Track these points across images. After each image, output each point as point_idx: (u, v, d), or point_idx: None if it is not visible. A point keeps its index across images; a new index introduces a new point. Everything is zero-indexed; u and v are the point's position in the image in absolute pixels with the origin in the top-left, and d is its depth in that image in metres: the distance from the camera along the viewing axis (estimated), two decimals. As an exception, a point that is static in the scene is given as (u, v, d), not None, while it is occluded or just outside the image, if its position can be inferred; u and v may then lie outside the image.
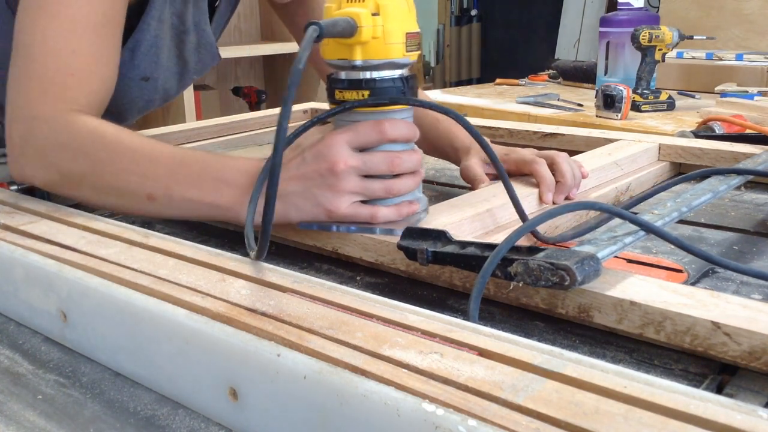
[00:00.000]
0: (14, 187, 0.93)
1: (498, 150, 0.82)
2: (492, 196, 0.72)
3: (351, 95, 0.62)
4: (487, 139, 0.83)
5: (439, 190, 0.94)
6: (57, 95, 0.71)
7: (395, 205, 0.64)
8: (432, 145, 0.93)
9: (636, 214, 0.60)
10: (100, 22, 0.74)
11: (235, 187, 0.64)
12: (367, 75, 0.62)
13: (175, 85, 1.00)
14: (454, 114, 0.65)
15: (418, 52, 0.65)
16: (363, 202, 0.63)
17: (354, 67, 0.62)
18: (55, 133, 0.70)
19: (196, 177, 0.66)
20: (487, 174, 0.83)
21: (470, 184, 0.84)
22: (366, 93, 0.62)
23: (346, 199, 0.61)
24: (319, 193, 0.61)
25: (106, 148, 0.69)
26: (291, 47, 2.56)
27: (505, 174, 0.67)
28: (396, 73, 0.63)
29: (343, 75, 0.63)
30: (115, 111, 0.94)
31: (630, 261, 0.65)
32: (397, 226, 0.63)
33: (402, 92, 0.63)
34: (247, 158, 0.68)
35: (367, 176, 0.62)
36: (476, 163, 0.84)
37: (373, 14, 0.60)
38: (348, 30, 0.59)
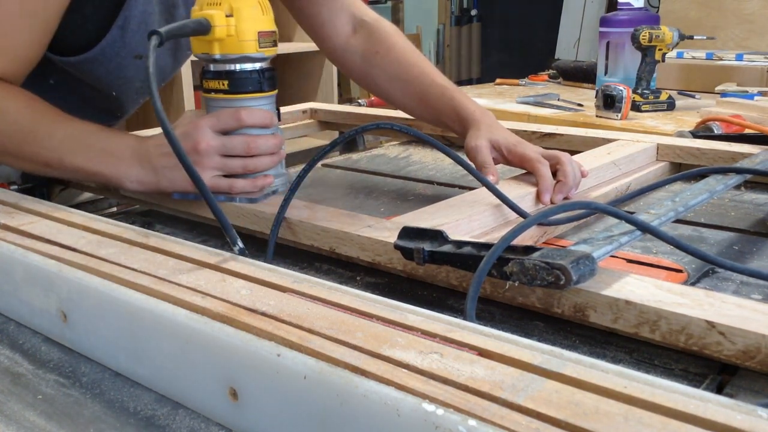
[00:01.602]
0: (14, 187, 0.93)
1: (508, 139, 0.82)
2: (489, 196, 0.72)
3: (214, 84, 0.75)
4: (486, 141, 0.83)
5: (437, 190, 0.94)
6: None
7: (252, 178, 0.75)
8: (437, 116, 0.94)
9: (632, 213, 0.60)
10: (31, 8, 0.78)
11: (120, 158, 0.75)
12: (227, 67, 0.74)
13: (170, 63, 1.02)
14: (431, 140, 0.71)
15: (275, 48, 0.75)
16: (227, 176, 0.74)
17: (214, 60, 0.73)
18: None
19: (85, 148, 0.77)
20: (494, 159, 0.83)
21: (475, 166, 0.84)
22: (226, 83, 0.74)
23: (207, 173, 0.72)
24: None
25: (6, 120, 0.77)
26: (291, 47, 2.56)
27: (489, 182, 0.71)
28: (254, 66, 0.74)
29: (209, 67, 0.75)
30: (113, 93, 0.95)
31: (630, 261, 0.65)
32: (254, 196, 0.75)
33: (258, 83, 0.75)
34: (132, 134, 0.81)
35: (228, 156, 0.74)
36: (485, 147, 0.83)
37: (227, 15, 0.71)
38: (200, 29, 0.70)
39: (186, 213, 0.81)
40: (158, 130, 1.18)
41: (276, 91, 0.79)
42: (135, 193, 0.80)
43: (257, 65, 0.75)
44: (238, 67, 0.74)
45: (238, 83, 0.74)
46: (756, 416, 0.31)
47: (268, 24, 0.74)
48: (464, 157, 0.76)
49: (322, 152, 0.72)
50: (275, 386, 0.39)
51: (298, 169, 0.77)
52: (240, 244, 0.58)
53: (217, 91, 0.75)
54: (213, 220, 0.78)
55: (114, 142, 0.77)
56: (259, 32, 0.72)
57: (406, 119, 1.26)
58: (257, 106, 0.75)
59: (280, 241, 0.72)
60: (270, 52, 0.74)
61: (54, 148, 0.76)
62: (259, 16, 0.73)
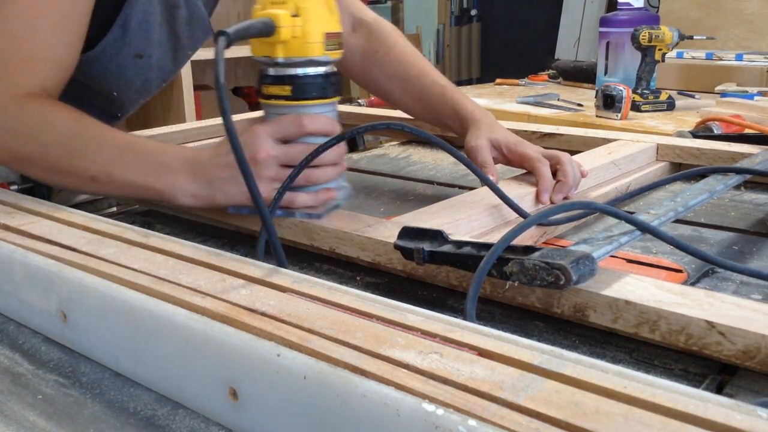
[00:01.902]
0: (14, 187, 0.93)
1: (508, 139, 0.82)
2: (489, 196, 0.72)
3: (275, 90, 0.69)
4: (486, 140, 0.83)
5: (437, 190, 0.94)
6: (10, 81, 0.75)
7: (314, 191, 0.70)
8: (436, 116, 0.94)
9: (632, 213, 0.60)
10: (62, 9, 0.76)
11: (173, 172, 0.70)
12: (290, 71, 0.68)
13: (170, 63, 1.00)
14: (437, 140, 0.70)
15: (341, 50, 0.70)
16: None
17: (277, 64, 0.68)
18: (6, 120, 0.75)
19: (137, 161, 0.72)
20: (494, 158, 0.83)
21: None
22: (288, 88, 0.68)
23: (266, 186, 0.67)
24: (243, 180, 0.63)
25: (54, 132, 0.73)
26: (291, 47, 2.56)
27: (492, 182, 0.70)
28: (319, 70, 0.69)
29: (269, 71, 0.69)
30: (113, 93, 0.95)
31: (630, 261, 0.65)
32: (317, 211, 0.69)
33: (323, 88, 0.69)
34: (185, 146, 0.76)
35: (288, 166, 0.68)
36: (485, 146, 0.82)
37: (293, 15, 0.65)
38: (265, 30, 0.65)
39: (186, 213, 0.81)
40: (159, 131, 1.19)
41: (339, 97, 0.73)
42: (189, 208, 0.74)
43: (322, 69, 0.69)
44: (302, 71, 0.68)
45: (302, 88, 0.68)
46: (756, 416, 0.31)
47: (335, 25, 0.69)
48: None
49: (326, 145, 0.69)
50: (275, 386, 0.39)
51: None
52: (286, 267, 0.54)
53: (278, 97, 0.69)
54: (213, 221, 0.78)
55: (166, 155, 0.72)
56: (326, 33, 0.67)
57: (409, 119, 1.26)
58: (320, 113, 0.70)
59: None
60: (336, 55, 0.69)
61: (103, 162, 0.72)
62: (326, 16, 0.68)
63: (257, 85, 0.71)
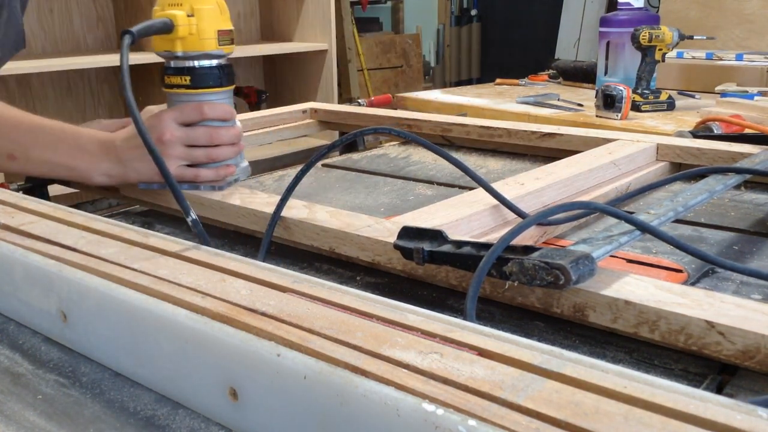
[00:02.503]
0: (14, 187, 0.93)
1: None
2: (489, 196, 0.72)
3: (176, 80, 0.79)
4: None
5: (437, 190, 0.94)
6: None
7: (215, 167, 0.80)
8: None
9: (632, 213, 0.60)
10: None
11: (88, 153, 0.79)
12: (188, 63, 0.78)
13: None
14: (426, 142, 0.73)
15: (233, 45, 0.81)
16: (192, 166, 0.79)
17: (176, 57, 0.78)
18: None
19: (54, 142, 0.79)
20: None
21: None
22: (188, 78, 0.78)
23: (173, 163, 0.77)
24: (151, 158, 0.71)
25: None
26: (291, 47, 2.56)
27: (486, 182, 0.72)
28: (213, 62, 0.79)
29: (171, 64, 0.79)
30: None
31: (630, 261, 0.65)
32: (218, 184, 0.80)
33: (218, 78, 0.80)
34: (97, 130, 0.83)
35: (192, 146, 0.78)
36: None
37: (189, 15, 0.76)
38: (164, 29, 0.75)
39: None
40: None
41: (234, 86, 0.84)
42: (103, 185, 0.83)
43: (216, 62, 0.80)
44: (198, 63, 0.78)
45: (199, 78, 0.79)
46: (756, 416, 0.31)
47: (226, 23, 0.79)
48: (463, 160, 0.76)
49: (321, 154, 0.73)
50: (275, 386, 0.39)
51: (297, 169, 0.76)
52: (193, 215, 0.63)
53: (179, 86, 0.79)
54: (214, 221, 0.78)
55: (82, 137, 0.80)
56: (218, 31, 0.78)
57: (407, 121, 1.27)
58: (217, 100, 0.81)
59: (280, 241, 0.72)
60: (228, 49, 0.80)
61: (20, 140, 0.78)
62: (218, 16, 0.78)
63: (160, 76, 0.81)
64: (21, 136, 0.79)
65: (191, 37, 0.76)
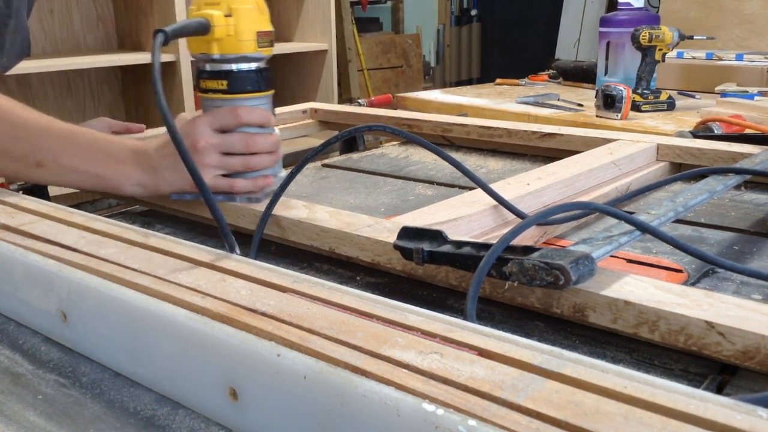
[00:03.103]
0: (14, 187, 0.93)
1: None
2: (488, 197, 0.72)
3: (212, 84, 0.75)
4: None
5: (437, 190, 0.94)
6: None
7: (252, 178, 0.75)
8: None
9: (632, 213, 0.60)
10: None
11: (120, 162, 0.75)
12: (225, 67, 0.74)
13: None
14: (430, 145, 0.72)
15: (272, 48, 0.77)
16: (227, 176, 0.75)
17: (213, 60, 0.73)
18: None
19: (84, 149, 0.75)
20: None
21: None
22: (224, 82, 0.74)
23: (207, 172, 0.72)
24: (184, 167, 0.67)
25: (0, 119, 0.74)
26: (291, 47, 2.56)
27: (483, 181, 0.71)
28: (251, 65, 0.75)
29: (206, 67, 0.75)
30: None
31: (630, 261, 0.65)
32: (255, 195, 0.75)
33: (256, 82, 0.75)
34: (129, 138, 0.81)
35: (227, 154, 0.74)
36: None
37: (226, 15, 0.71)
38: (200, 29, 0.71)
39: (186, 213, 0.81)
40: (159, 131, 1.19)
41: (273, 91, 0.79)
42: (135, 195, 0.79)
43: (255, 65, 0.75)
44: (236, 66, 0.74)
45: (237, 83, 0.74)
46: (756, 416, 0.31)
47: (266, 24, 0.75)
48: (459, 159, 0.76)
49: (314, 152, 0.73)
50: (275, 386, 0.39)
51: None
52: (237, 251, 0.58)
53: (215, 90, 0.75)
54: (212, 220, 0.78)
55: (113, 145, 0.76)
56: (257, 32, 0.73)
57: (407, 121, 1.27)
58: (255, 105, 0.76)
59: (280, 241, 0.72)
60: (267, 51, 0.75)
61: (50, 147, 0.74)
62: (257, 17, 0.74)
63: (195, 80, 0.78)
64: (50, 142, 0.74)
65: (229, 38, 0.72)
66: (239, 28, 0.72)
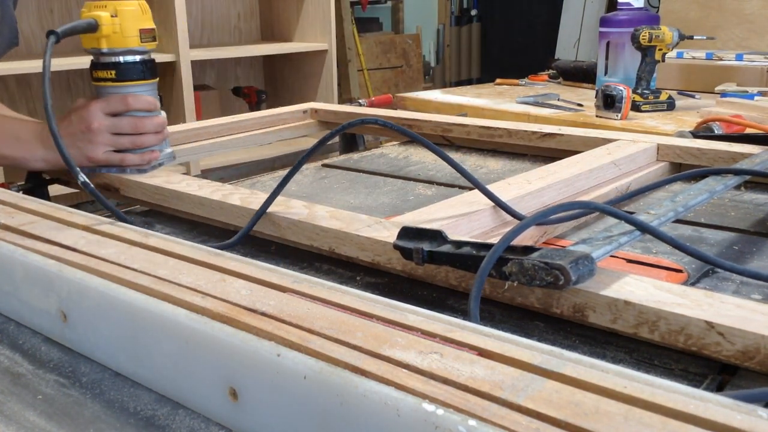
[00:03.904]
0: (14, 188, 0.94)
1: None
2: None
3: (103, 73, 0.88)
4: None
5: (437, 190, 0.94)
6: None
7: (140, 153, 0.89)
8: None
9: (632, 213, 0.60)
10: None
11: (26, 142, 0.88)
12: (113, 59, 0.87)
13: None
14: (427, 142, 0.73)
15: (155, 42, 0.89)
16: (119, 152, 0.88)
17: (102, 54, 0.87)
18: None
19: None
20: None
21: None
22: (113, 72, 0.87)
23: (100, 149, 0.86)
24: (81, 145, 0.86)
25: None
26: (291, 47, 2.56)
27: (481, 184, 0.72)
28: (136, 57, 0.88)
29: (99, 59, 0.88)
30: None
31: (630, 261, 0.65)
32: (143, 167, 0.89)
33: (142, 72, 0.88)
34: (34, 120, 0.93)
35: (118, 134, 0.87)
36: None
37: (112, 16, 0.85)
38: (89, 28, 0.84)
39: (186, 213, 0.81)
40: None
41: (157, 79, 0.91)
42: (41, 170, 0.93)
43: (140, 57, 0.88)
44: (122, 59, 0.87)
45: (124, 72, 0.87)
46: (756, 416, 0.31)
47: (148, 22, 0.88)
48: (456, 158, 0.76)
49: (310, 151, 0.74)
50: (275, 386, 0.39)
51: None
52: (82, 177, 0.70)
53: (105, 79, 0.88)
54: (212, 220, 0.78)
55: (18, 128, 0.89)
56: (140, 29, 0.87)
57: (407, 121, 1.26)
58: (141, 92, 0.89)
59: (281, 242, 0.72)
60: (150, 45, 0.88)
61: None
62: (140, 16, 0.87)
63: (89, 71, 0.89)
64: None
65: (115, 35, 0.85)
66: (124, 26, 0.85)
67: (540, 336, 0.52)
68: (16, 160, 0.89)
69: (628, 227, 0.58)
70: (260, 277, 0.50)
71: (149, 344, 0.47)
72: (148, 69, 0.89)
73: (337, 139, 1.37)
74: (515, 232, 0.54)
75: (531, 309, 0.54)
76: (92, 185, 0.71)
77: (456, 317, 0.43)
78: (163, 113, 0.93)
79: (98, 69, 0.88)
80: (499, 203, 0.70)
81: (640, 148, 0.95)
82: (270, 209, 0.71)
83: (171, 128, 1.23)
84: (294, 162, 0.75)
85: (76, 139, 0.86)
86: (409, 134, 0.73)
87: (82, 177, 0.70)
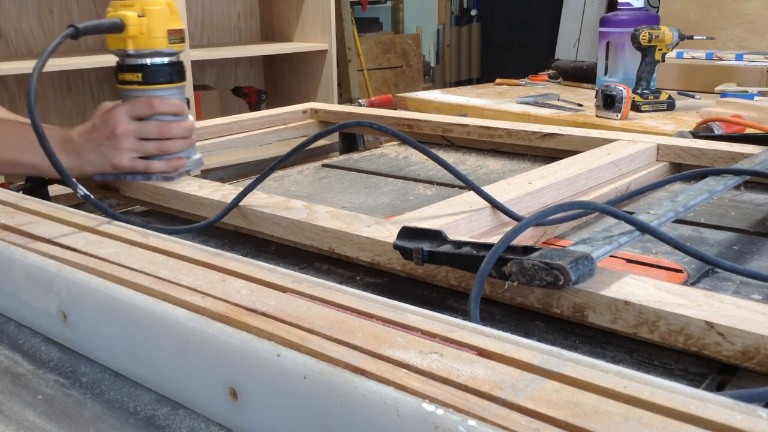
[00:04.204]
0: (14, 187, 0.93)
1: None
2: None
3: (129, 77, 0.84)
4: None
5: (437, 190, 0.94)
6: None
7: (166, 159, 0.85)
8: None
9: (632, 213, 0.60)
10: None
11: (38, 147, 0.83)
12: (140, 61, 0.83)
13: None
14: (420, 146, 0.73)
15: (183, 44, 0.86)
16: (144, 158, 0.84)
17: (128, 55, 0.83)
18: None
19: (15, 141, 0.84)
20: None
21: None
22: (139, 75, 0.83)
23: (125, 156, 0.82)
24: (106, 151, 0.82)
25: None
26: (291, 47, 2.56)
27: (476, 185, 0.72)
28: (164, 59, 0.84)
29: (124, 61, 0.84)
30: None
31: (629, 261, 0.65)
32: (169, 175, 0.85)
33: (169, 74, 0.84)
34: (55, 126, 0.87)
35: (143, 139, 0.83)
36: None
37: (140, 15, 0.80)
38: (114, 28, 0.80)
39: (186, 213, 0.81)
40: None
41: (185, 82, 0.88)
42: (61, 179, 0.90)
43: (167, 59, 0.84)
44: (150, 60, 0.83)
45: (151, 75, 0.84)
46: (756, 416, 0.31)
47: (176, 23, 0.84)
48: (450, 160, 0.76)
49: (298, 147, 0.75)
50: (275, 386, 0.39)
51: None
52: (82, 191, 0.68)
53: (131, 82, 0.84)
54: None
55: (31, 134, 0.85)
56: (168, 30, 0.83)
57: (407, 121, 1.26)
58: (168, 95, 0.85)
59: (281, 242, 0.72)
60: (179, 47, 0.85)
61: None
62: (168, 16, 0.83)
63: (114, 74, 0.86)
64: None
65: (142, 36, 0.81)
66: (151, 27, 0.81)
67: (540, 336, 0.52)
68: (39, 169, 0.85)
69: (628, 227, 0.58)
70: (260, 277, 0.50)
71: (149, 344, 0.47)
72: (175, 72, 0.85)
73: (337, 139, 1.37)
74: (515, 233, 0.54)
75: (531, 309, 0.54)
76: (93, 197, 0.68)
77: (456, 317, 0.43)
78: (191, 117, 0.89)
79: (124, 71, 0.84)
80: (496, 204, 0.70)
81: (640, 148, 0.95)
82: (269, 209, 0.71)
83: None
84: (294, 162, 0.75)
85: (100, 144, 0.82)
86: (400, 136, 0.72)
87: (82, 190, 0.68)
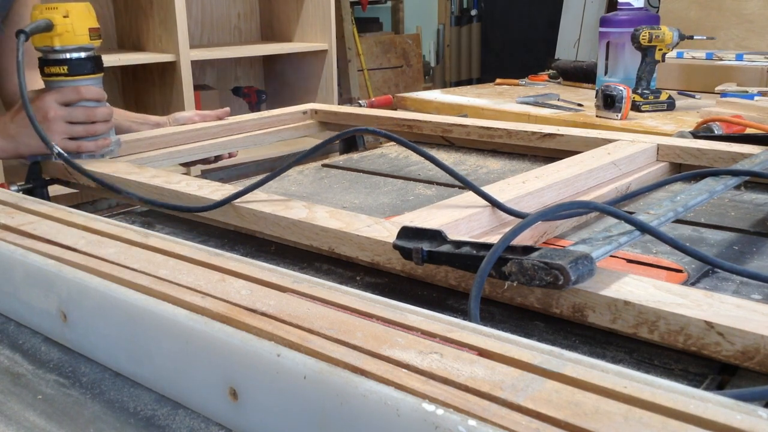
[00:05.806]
0: (14, 187, 0.94)
1: None
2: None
3: (55, 69, 0.96)
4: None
5: (437, 190, 0.94)
6: None
7: (94, 140, 0.98)
8: None
9: (632, 213, 0.60)
10: None
11: None
12: (66, 55, 0.95)
13: None
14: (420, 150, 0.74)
15: (100, 39, 0.98)
16: (74, 139, 0.96)
17: (55, 51, 0.95)
18: None
19: None
20: None
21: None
22: (65, 67, 0.95)
23: (57, 137, 0.94)
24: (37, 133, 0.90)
25: None
26: (291, 47, 2.56)
27: (474, 185, 0.72)
28: (86, 54, 0.96)
29: (50, 56, 0.95)
30: None
31: (629, 261, 0.65)
32: (97, 152, 0.99)
33: (92, 67, 0.97)
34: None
35: (73, 123, 0.95)
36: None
37: (64, 16, 0.93)
38: (47, 28, 0.93)
39: (186, 213, 0.81)
40: (160, 131, 1.19)
41: (102, 74, 1.00)
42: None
43: (89, 53, 0.96)
44: (75, 55, 0.95)
45: (76, 67, 0.96)
46: (756, 416, 0.31)
47: (95, 22, 0.97)
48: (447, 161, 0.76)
49: (300, 157, 0.76)
50: (275, 386, 0.39)
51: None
52: (57, 149, 0.86)
53: (58, 75, 0.96)
54: (213, 221, 0.78)
55: None
56: (89, 28, 0.95)
57: (407, 121, 1.26)
58: (90, 85, 0.97)
59: (281, 242, 0.72)
60: (97, 42, 0.97)
61: None
62: (88, 16, 0.95)
63: (40, 67, 0.97)
64: None
65: (67, 33, 0.93)
66: (75, 26, 0.94)
67: (540, 336, 0.52)
68: None
69: (628, 227, 0.58)
70: (260, 277, 0.50)
71: (149, 344, 0.47)
72: (95, 64, 0.97)
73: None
74: (515, 232, 0.54)
75: (531, 309, 0.54)
76: (66, 154, 0.85)
77: (456, 317, 0.43)
78: (108, 104, 1.00)
79: (50, 65, 0.95)
80: (496, 203, 0.70)
81: (640, 148, 0.95)
82: (269, 209, 0.71)
83: (171, 129, 1.23)
84: (295, 163, 0.76)
85: (32, 129, 0.89)
86: (400, 141, 0.73)
87: (57, 149, 0.86)
